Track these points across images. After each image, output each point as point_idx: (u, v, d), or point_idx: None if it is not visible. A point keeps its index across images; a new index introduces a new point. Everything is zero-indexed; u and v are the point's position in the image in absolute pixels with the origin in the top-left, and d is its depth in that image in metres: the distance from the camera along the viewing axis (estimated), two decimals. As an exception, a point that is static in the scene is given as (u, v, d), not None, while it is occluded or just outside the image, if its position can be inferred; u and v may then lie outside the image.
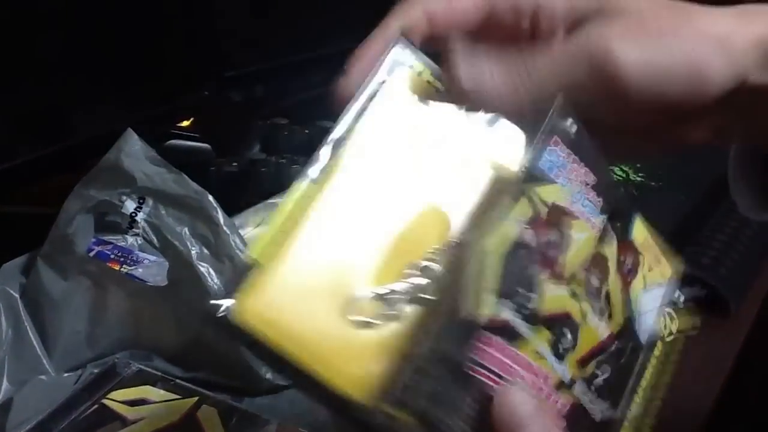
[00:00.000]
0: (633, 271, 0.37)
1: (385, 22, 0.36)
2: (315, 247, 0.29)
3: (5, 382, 0.52)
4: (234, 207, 0.66)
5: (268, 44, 0.89)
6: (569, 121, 0.33)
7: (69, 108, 0.70)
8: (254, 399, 0.53)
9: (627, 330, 0.36)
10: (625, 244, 0.36)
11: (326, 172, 0.30)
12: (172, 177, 0.54)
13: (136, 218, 0.54)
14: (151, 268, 0.60)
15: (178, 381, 0.52)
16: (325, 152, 0.30)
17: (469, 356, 0.28)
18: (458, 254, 0.29)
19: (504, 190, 0.31)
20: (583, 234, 0.33)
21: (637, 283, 0.37)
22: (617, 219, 0.35)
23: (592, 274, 0.34)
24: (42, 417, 0.48)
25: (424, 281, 0.29)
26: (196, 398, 0.50)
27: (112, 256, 0.61)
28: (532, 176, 0.31)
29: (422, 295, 0.29)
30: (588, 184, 0.34)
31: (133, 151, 0.55)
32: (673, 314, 0.40)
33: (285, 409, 0.52)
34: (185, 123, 0.91)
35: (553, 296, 0.31)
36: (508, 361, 0.29)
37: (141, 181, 0.54)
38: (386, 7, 0.37)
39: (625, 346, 0.36)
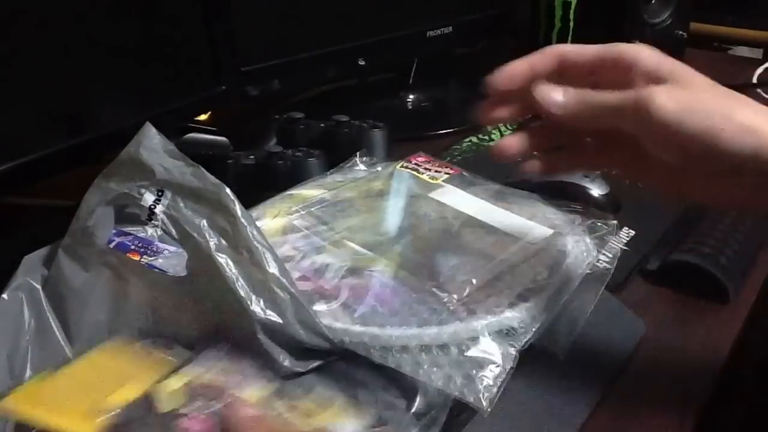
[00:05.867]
0: None
1: (531, 55, 0.49)
2: None
3: (29, 371, 0.51)
4: (251, 199, 0.64)
5: (284, 40, 0.88)
6: None
7: (88, 102, 0.69)
8: (272, 386, 0.51)
9: None
10: None
11: None
12: (190, 170, 0.52)
13: (155, 210, 0.52)
14: (171, 259, 0.58)
15: (197, 369, 0.49)
16: None
17: None
18: None
19: None
20: None
21: None
22: None
23: None
24: (64, 406, 0.46)
25: None
26: (215, 386, 0.47)
27: (133, 247, 0.58)
28: None
29: None
30: None
31: (152, 145, 0.53)
32: None
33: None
34: (203, 117, 0.91)
35: None
36: None
37: (159, 174, 0.52)
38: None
39: None
